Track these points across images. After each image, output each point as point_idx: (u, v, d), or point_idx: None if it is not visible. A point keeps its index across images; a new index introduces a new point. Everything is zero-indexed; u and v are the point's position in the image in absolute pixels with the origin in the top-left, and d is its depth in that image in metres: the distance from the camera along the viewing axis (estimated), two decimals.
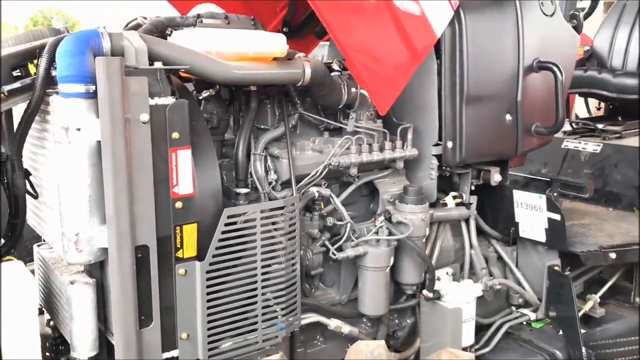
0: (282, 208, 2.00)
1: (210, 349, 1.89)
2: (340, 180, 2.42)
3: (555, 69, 2.63)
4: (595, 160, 3.62)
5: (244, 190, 2.11)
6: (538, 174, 3.72)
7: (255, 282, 1.96)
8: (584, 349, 2.57)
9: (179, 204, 1.78)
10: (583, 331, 2.75)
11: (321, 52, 3.62)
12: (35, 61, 1.76)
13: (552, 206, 2.62)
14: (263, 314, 2.00)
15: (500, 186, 2.78)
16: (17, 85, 1.73)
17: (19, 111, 1.79)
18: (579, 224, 3.16)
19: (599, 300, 2.97)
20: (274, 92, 2.22)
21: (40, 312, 2.12)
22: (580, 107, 5.12)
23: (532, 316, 2.82)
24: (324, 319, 2.31)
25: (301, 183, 2.21)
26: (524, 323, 2.83)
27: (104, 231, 1.69)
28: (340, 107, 2.31)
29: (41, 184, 1.93)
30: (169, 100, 1.74)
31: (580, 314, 2.83)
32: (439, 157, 2.55)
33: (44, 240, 2.19)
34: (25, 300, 1.74)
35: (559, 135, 3.87)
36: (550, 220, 2.64)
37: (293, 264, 2.06)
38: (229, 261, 1.89)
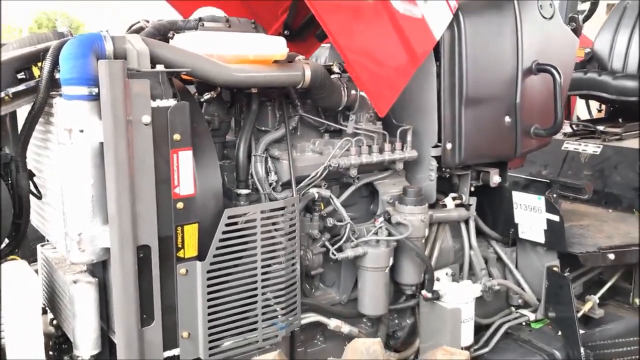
0: (282, 209, 2.02)
1: (210, 348, 1.92)
2: (340, 182, 2.45)
3: (554, 71, 2.65)
4: (595, 162, 3.64)
5: (244, 191, 2.13)
6: (538, 175, 3.74)
7: (256, 281, 1.99)
8: (582, 349, 2.59)
9: (180, 205, 1.81)
10: (582, 332, 2.77)
11: (325, 53, 3.66)
12: (39, 64, 1.79)
13: (551, 207, 2.64)
14: (263, 314, 2.02)
15: (500, 187, 2.80)
16: (21, 87, 1.76)
17: (23, 113, 1.82)
18: (579, 225, 3.17)
19: (598, 301, 2.98)
20: (275, 94, 2.24)
21: (44, 312, 2.15)
22: (581, 109, 5.13)
23: (532, 317, 2.84)
24: (323, 318, 2.33)
25: (301, 184, 2.24)
26: (523, 323, 2.85)
27: (107, 231, 1.71)
28: (340, 109, 2.34)
29: (45, 184, 1.96)
30: (171, 102, 1.76)
31: (580, 314, 2.84)
32: (438, 158, 2.57)
33: (47, 241, 2.22)
34: (29, 299, 1.77)
35: (559, 137, 3.90)
36: (549, 221, 2.66)
37: (293, 264, 2.09)
38: (230, 261, 1.92)
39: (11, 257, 1.89)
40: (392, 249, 2.38)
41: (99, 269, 1.91)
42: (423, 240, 2.49)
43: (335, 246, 2.32)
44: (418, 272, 2.50)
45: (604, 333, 2.86)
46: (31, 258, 2.32)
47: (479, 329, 2.72)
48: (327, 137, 2.38)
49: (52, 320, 2.16)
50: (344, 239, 2.32)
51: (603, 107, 4.80)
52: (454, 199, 2.70)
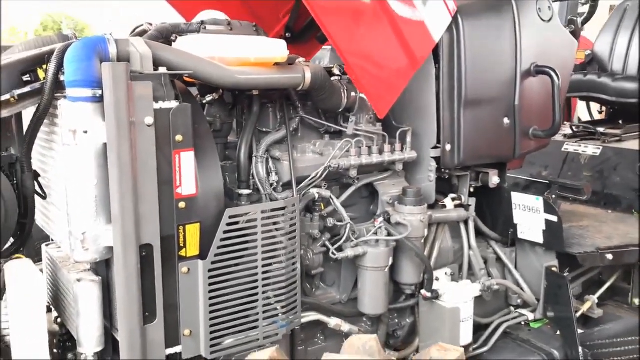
0: (282, 209, 2.05)
1: (212, 346, 1.94)
2: (340, 182, 2.48)
3: (552, 73, 2.67)
4: (595, 163, 3.66)
5: (246, 192, 2.16)
6: (538, 176, 3.77)
7: (257, 280, 2.01)
8: (580, 349, 2.61)
9: (182, 204, 1.84)
10: (581, 331, 2.80)
11: (327, 55, 3.69)
12: (44, 66, 1.81)
13: (549, 208, 2.66)
14: (264, 312, 2.05)
15: (499, 188, 2.83)
16: (27, 89, 1.78)
17: (28, 115, 1.85)
18: (578, 226, 3.20)
19: (597, 301, 3.00)
20: (276, 96, 2.27)
21: (48, 310, 2.18)
22: (583, 111, 5.15)
23: (531, 316, 2.87)
24: (324, 317, 2.36)
25: (302, 184, 2.27)
26: (522, 323, 2.88)
27: (110, 230, 1.74)
28: (340, 110, 2.37)
29: (50, 185, 1.99)
30: (173, 104, 1.79)
31: (578, 314, 2.87)
32: (437, 159, 2.59)
33: (52, 240, 2.26)
34: (33, 297, 1.80)
35: (560, 138, 3.92)
36: (547, 221, 2.68)
37: (293, 264, 2.12)
38: (231, 260, 1.94)
39: (16, 255, 1.92)
40: (392, 249, 2.41)
41: (103, 268, 1.94)
42: (422, 241, 2.52)
43: (336, 246, 2.35)
44: (417, 272, 2.52)
45: (602, 333, 2.89)
46: (36, 258, 2.35)
47: (479, 329, 2.75)
48: (327, 139, 2.41)
49: (56, 318, 2.19)
50: (344, 238, 2.35)
51: (604, 108, 4.82)
52: (453, 199, 2.73)
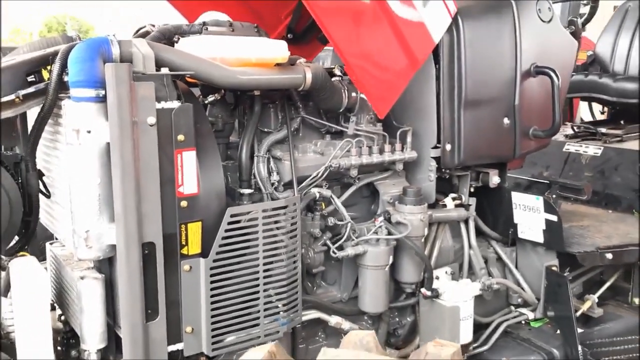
0: (283, 208, 2.07)
1: (213, 343, 1.97)
2: (341, 182, 2.50)
3: (552, 73, 2.69)
4: (596, 163, 3.67)
5: (247, 191, 2.19)
6: (539, 176, 3.78)
7: (258, 278, 2.04)
8: (580, 348, 2.63)
9: (184, 203, 1.86)
10: (581, 330, 2.81)
11: (329, 56, 3.72)
12: (48, 67, 1.84)
13: (549, 207, 2.68)
14: (265, 310, 2.07)
15: (499, 188, 2.84)
16: (31, 90, 1.81)
17: (33, 114, 1.88)
18: (578, 226, 3.21)
19: (597, 300, 3.01)
20: (277, 96, 2.29)
21: (52, 308, 2.20)
22: (585, 111, 5.17)
23: (531, 315, 2.88)
24: (325, 315, 2.38)
25: (303, 184, 2.29)
26: (523, 322, 2.90)
27: (113, 228, 1.77)
28: (341, 110, 2.39)
29: (53, 183, 2.02)
30: (175, 104, 1.82)
31: (578, 313, 2.88)
32: (437, 159, 2.61)
33: (56, 239, 2.29)
34: (38, 294, 1.83)
35: (561, 138, 3.94)
36: (547, 221, 2.70)
37: (294, 262, 2.14)
38: (232, 258, 1.97)
39: (21, 253, 1.95)
40: (392, 248, 2.43)
41: (106, 266, 1.97)
42: (422, 240, 2.53)
43: (336, 245, 2.37)
44: (418, 271, 2.54)
45: (602, 332, 2.90)
46: (40, 256, 2.38)
47: (479, 328, 2.76)
48: (328, 138, 2.43)
49: (60, 316, 2.22)
50: (345, 237, 2.37)
51: (606, 109, 4.84)
52: (453, 199, 2.74)
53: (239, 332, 2.02)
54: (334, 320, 2.39)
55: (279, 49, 2.10)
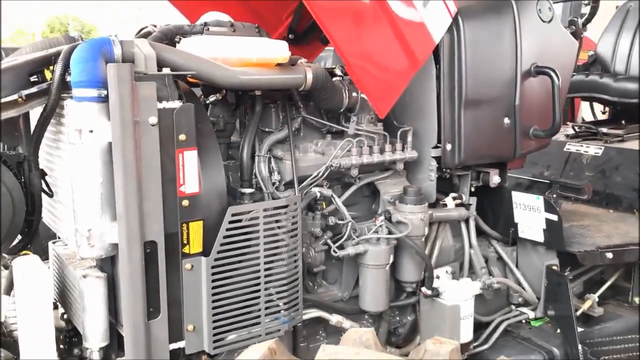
0: (284, 207, 2.08)
1: (215, 341, 1.98)
2: (342, 181, 2.51)
3: (552, 73, 2.70)
4: (597, 163, 3.68)
5: (248, 190, 2.20)
6: (540, 176, 3.79)
7: (259, 277, 2.05)
8: (580, 347, 2.64)
9: (185, 202, 1.87)
10: (581, 329, 2.83)
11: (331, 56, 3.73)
12: (51, 67, 1.86)
13: (549, 207, 2.69)
14: (266, 308, 2.08)
15: (500, 188, 2.85)
16: (34, 90, 1.82)
17: (35, 114, 1.89)
18: (579, 225, 3.22)
19: (597, 299, 3.03)
20: (278, 96, 2.31)
21: (55, 307, 2.22)
22: (587, 111, 5.17)
23: (531, 314, 2.89)
24: (325, 314, 2.39)
25: (303, 183, 2.30)
26: (523, 321, 2.91)
27: (115, 227, 1.78)
28: (341, 110, 2.40)
29: (56, 183, 2.03)
30: (176, 104, 1.83)
31: (579, 313, 2.89)
32: (438, 159, 2.62)
33: (58, 238, 2.30)
34: (41, 292, 1.85)
35: (562, 138, 3.95)
36: (548, 220, 2.70)
37: (295, 261, 2.15)
38: (234, 257, 1.98)
39: (24, 252, 1.96)
40: (392, 247, 2.44)
41: (108, 265, 1.98)
42: (423, 239, 2.55)
43: (337, 244, 2.37)
44: (418, 270, 2.55)
45: (602, 331, 2.91)
46: (43, 256, 2.40)
47: (480, 327, 2.78)
48: (329, 138, 2.44)
49: (62, 314, 2.23)
50: (346, 237, 2.38)
51: (607, 109, 4.84)
52: (454, 198, 2.75)
53: (240, 331, 2.03)
54: (334, 319, 2.40)
55: (280, 49, 2.11)
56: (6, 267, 2.07)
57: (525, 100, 2.74)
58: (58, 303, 2.23)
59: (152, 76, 1.79)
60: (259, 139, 2.28)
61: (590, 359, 2.69)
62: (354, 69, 2.20)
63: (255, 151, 2.25)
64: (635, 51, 4.17)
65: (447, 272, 2.71)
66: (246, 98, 2.28)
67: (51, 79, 1.82)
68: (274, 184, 2.26)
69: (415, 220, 2.44)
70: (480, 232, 2.92)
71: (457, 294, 2.52)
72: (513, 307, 2.95)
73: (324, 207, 2.40)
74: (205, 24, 2.22)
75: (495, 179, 2.81)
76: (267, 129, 2.31)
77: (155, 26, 2.26)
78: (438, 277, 2.61)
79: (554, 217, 2.68)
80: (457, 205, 2.75)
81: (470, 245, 2.83)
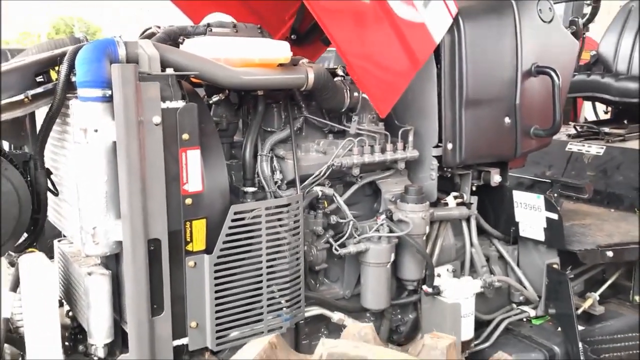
0: (286, 205, 2.11)
1: (218, 338, 2.00)
2: (343, 181, 2.53)
3: (553, 73, 2.71)
4: (598, 162, 3.70)
5: (251, 189, 2.23)
6: (542, 176, 3.81)
7: (261, 274, 2.07)
8: (580, 345, 2.65)
9: (188, 201, 1.90)
10: (582, 328, 2.84)
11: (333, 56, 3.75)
12: (56, 68, 1.88)
13: (550, 206, 2.70)
14: (268, 305, 2.11)
15: (501, 187, 2.87)
16: (40, 90, 1.85)
17: (41, 114, 1.92)
18: (580, 224, 3.23)
19: (598, 298, 3.04)
20: (281, 96, 2.33)
21: (60, 305, 2.24)
22: (589, 111, 5.18)
23: (532, 313, 2.91)
24: (327, 312, 2.41)
25: (305, 182, 2.33)
26: (524, 320, 2.92)
27: (119, 225, 1.80)
28: (343, 110, 2.43)
29: (61, 182, 2.06)
30: (180, 103, 1.86)
31: (580, 311, 2.91)
32: (439, 158, 2.64)
33: (63, 236, 2.33)
34: (46, 289, 1.87)
35: (564, 138, 3.97)
36: (548, 219, 2.72)
37: (297, 259, 2.18)
38: (236, 255, 2.01)
39: (30, 250, 1.99)
40: (394, 245, 2.46)
41: (112, 262, 2.01)
42: (424, 237, 2.57)
43: (338, 242, 2.40)
44: (419, 268, 2.57)
45: (603, 329, 2.93)
46: (48, 255, 2.42)
47: (481, 325, 2.79)
48: (330, 138, 2.47)
49: (67, 312, 2.26)
50: (347, 235, 2.40)
51: (609, 108, 4.86)
52: (455, 197, 2.77)
53: (243, 327, 2.06)
54: (336, 316, 2.42)
55: (282, 50, 2.14)
56: (12, 265, 2.10)
57: (525, 99, 2.75)
58: (63, 301, 2.26)
59: (155, 76, 1.82)
60: (262, 139, 2.30)
61: (590, 357, 2.70)
62: (355, 69, 2.22)
63: (257, 150, 2.28)
64: (637, 51, 4.18)
65: (448, 270, 2.73)
66: (249, 98, 2.31)
67: (57, 79, 1.85)
68: (276, 182, 2.29)
69: (416, 219, 2.46)
70: (481, 231, 2.94)
71: (458, 292, 2.54)
72: (514, 305, 2.97)
73: (326, 205, 2.42)
74: (208, 25, 2.25)
75: (496, 178, 2.83)
76: (269, 129, 2.34)
77: (159, 27, 2.29)
78: (439, 276, 2.63)
79: (555, 216, 2.70)
80: (458, 204, 2.77)
81: (472, 244, 2.85)
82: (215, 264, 1.97)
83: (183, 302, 1.95)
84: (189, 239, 1.93)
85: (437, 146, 2.63)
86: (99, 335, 1.96)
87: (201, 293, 1.97)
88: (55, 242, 2.33)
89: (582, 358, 2.65)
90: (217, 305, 1.99)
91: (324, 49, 3.23)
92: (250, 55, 2.09)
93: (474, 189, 2.86)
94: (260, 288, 2.08)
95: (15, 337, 2.01)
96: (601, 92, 4.04)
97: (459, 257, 2.85)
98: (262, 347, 1.54)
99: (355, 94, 2.41)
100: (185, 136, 1.87)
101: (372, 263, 2.42)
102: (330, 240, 2.42)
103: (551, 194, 3.10)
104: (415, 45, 2.38)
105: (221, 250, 1.97)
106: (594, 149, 3.77)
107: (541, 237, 2.78)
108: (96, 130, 1.77)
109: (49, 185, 1.99)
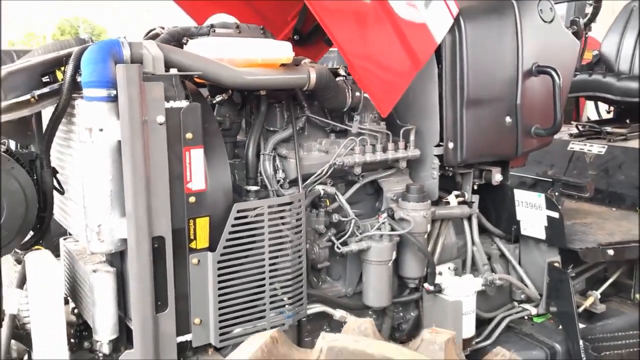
0: (289, 204, 2.14)
1: (221, 334, 2.03)
2: (345, 180, 2.56)
3: (553, 72, 2.73)
4: (600, 161, 3.71)
5: (254, 188, 2.26)
6: (544, 175, 3.82)
7: (264, 272, 2.10)
8: (581, 342, 2.67)
9: (192, 199, 1.93)
10: (583, 326, 2.86)
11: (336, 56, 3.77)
12: (62, 68, 1.91)
13: (550, 204, 2.72)
14: (271, 303, 2.13)
15: (502, 185, 2.89)
16: (46, 90, 1.88)
17: (47, 114, 1.95)
18: (581, 223, 3.25)
19: (599, 296, 3.05)
20: (283, 96, 2.36)
21: (66, 302, 2.27)
22: (592, 111, 5.19)
23: (533, 311, 2.93)
24: (329, 309, 2.44)
25: (307, 181, 2.35)
26: (526, 318, 2.94)
27: (124, 223, 1.83)
28: (345, 109, 2.45)
29: (67, 180, 2.09)
30: (183, 103, 1.89)
31: (581, 309, 2.93)
32: (440, 157, 2.66)
33: (69, 235, 2.36)
34: (52, 286, 1.90)
35: (566, 137, 3.98)
36: (549, 218, 2.74)
37: (299, 257, 2.20)
38: (239, 252, 2.03)
39: (36, 247, 2.02)
40: (395, 244, 2.48)
41: (117, 260, 2.03)
42: (425, 236, 2.59)
43: (340, 240, 2.43)
44: (421, 266, 2.60)
45: (604, 327, 2.94)
46: (54, 253, 2.45)
47: (483, 323, 2.82)
48: (332, 137, 2.49)
49: (73, 309, 2.29)
50: (349, 233, 2.43)
51: (612, 108, 4.86)
52: (456, 196, 2.79)
53: (246, 324, 2.08)
54: (338, 314, 2.44)
55: (284, 50, 2.16)
56: (19, 262, 2.13)
57: (526, 99, 2.77)
58: (69, 298, 2.29)
59: (159, 77, 1.85)
60: (264, 138, 2.33)
61: (591, 355, 2.72)
62: (356, 69, 2.25)
63: (260, 150, 2.30)
64: (639, 50, 4.19)
65: (449, 268, 2.75)
66: (252, 98, 2.33)
67: (62, 79, 1.88)
68: (278, 181, 2.31)
69: (417, 218, 2.48)
70: (483, 230, 2.96)
71: (459, 290, 2.56)
72: (515, 303, 2.99)
73: (328, 204, 2.44)
74: (212, 25, 2.28)
75: (497, 177, 2.85)
76: (272, 128, 2.36)
77: (163, 28, 2.32)
78: (440, 274, 2.65)
79: (555, 215, 2.71)
80: (459, 203, 2.79)
81: (473, 242, 2.87)
82: (219, 262, 1.99)
83: (187, 299, 1.98)
84: (192, 237, 1.96)
85: (438, 145, 2.65)
86: (104, 331, 1.98)
87: (204, 290, 2.00)
88: (61, 240, 2.36)
89: (583, 356, 2.67)
90: (220, 302, 2.02)
91: (327, 49, 3.25)
92: (253, 56, 2.12)
93: (475, 187, 2.88)
94: (263, 285, 2.11)
95: (21, 334, 2.04)
96: (603, 91, 4.06)
97: (460, 255, 2.87)
98: (264, 341, 1.56)
99: (357, 93, 2.43)
100: (189, 135, 1.90)
101: (374, 261, 2.45)
102: (332, 238, 2.44)
103: (552, 192, 3.12)
104: (417, 46, 2.41)
105: (224, 247, 2.00)
106: (596, 148, 3.78)
107: (542, 235, 2.80)
108: (101, 130, 1.80)
109: (55, 183, 2.02)
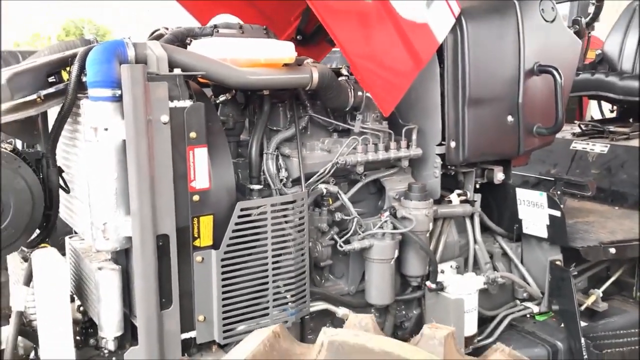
0: (291, 202, 2.16)
1: (225, 331, 2.06)
2: (348, 178, 2.58)
3: (554, 72, 2.74)
4: (603, 160, 3.72)
5: (257, 187, 2.28)
6: (547, 174, 3.83)
7: (267, 270, 2.12)
8: (583, 340, 2.68)
9: (196, 197, 1.95)
10: (585, 324, 2.87)
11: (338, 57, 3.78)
12: (68, 68, 1.94)
13: (552, 203, 2.74)
14: (274, 300, 2.15)
15: (504, 184, 2.90)
16: (52, 90, 1.90)
17: (53, 113, 1.98)
18: (583, 222, 3.25)
19: (601, 295, 3.06)
20: (286, 95, 2.38)
21: (72, 299, 2.30)
22: (595, 110, 5.20)
23: (535, 309, 2.94)
24: (332, 307, 2.46)
25: (310, 180, 2.37)
26: (528, 316, 2.95)
27: (129, 221, 1.86)
28: (347, 109, 2.47)
29: (73, 179, 2.11)
30: (187, 103, 1.92)
31: (583, 307, 2.94)
32: (442, 156, 2.68)
33: (75, 233, 2.39)
34: (58, 283, 1.93)
35: (569, 136, 3.99)
36: (551, 216, 2.75)
37: (302, 255, 2.22)
38: (243, 250, 2.06)
39: (42, 245, 2.05)
40: (397, 242, 2.50)
41: (122, 258, 2.05)
42: (427, 234, 2.60)
43: (343, 239, 2.45)
44: (423, 265, 2.61)
45: (606, 325, 2.95)
46: (60, 252, 2.48)
47: (485, 321, 2.83)
48: (335, 136, 2.51)
49: (79, 307, 2.32)
50: (351, 232, 2.45)
51: (615, 107, 4.87)
52: (459, 195, 2.81)
53: (249, 322, 2.11)
54: (341, 311, 2.46)
55: (287, 50, 2.19)
56: (25, 260, 2.15)
57: (528, 98, 2.79)
58: (75, 296, 2.31)
59: (164, 77, 1.87)
60: (267, 137, 2.35)
61: (593, 353, 2.73)
62: (358, 68, 2.26)
63: (263, 149, 2.33)
64: None
65: (451, 266, 2.76)
66: (255, 98, 2.36)
67: (68, 79, 1.91)
68: (281, 180, 2.33)
69: (419, 216, 2.50)
70: (485, 228, 2.97)
71: (461, 288, 2.57)
72: (518, 302, 3.00)
73: (331, 203, 2.47)
74: (215, 26, 2.30)
75: (499, 175, 2.87)
76: (275, 128, 2.38)
77: (167, 29, 2.35)
78: (443, 272, 2.67)
79: (557, 213, 2.73)
80: (461, 201, 2.81)
81: (475, 241, 2.88)
82: (222, 259, 2.02)
83: (191, 297, 2.00)
84: (196, 235, 1.98)
85: (440, 144, 2.67)
86: (109, 328, 2.00)
87: (208, 287, 2.02)
88: (67, 238, 2.39)
89: (584, 354, 2.69)
90: (224, 299, 2.04)
91: (329, 49, 3.27)
92: (256, 56, 2.14)
93: (477, 186, 2.89)
94: (266, 283, 2.13)
95: (28, 330, 2.07)
96: (605, 90, 4.06)
97: (462, 253, 2.89)
98: (266, 335, 1.58)
99: (359, 93, 2.45)
100: (193, 135, 1.92)
101: (376, 259, 2.47)
102: (335, 236, 2.46)
103: (554, 191, 3.13)
104: (418, 45, 2.42)
105: (228, 245, 2.02)
106: (598, 147, 3.79)
107: (544, 234, 2.81)
108: (106, 129, 1.82)
109: (61, 182, 2.05)
